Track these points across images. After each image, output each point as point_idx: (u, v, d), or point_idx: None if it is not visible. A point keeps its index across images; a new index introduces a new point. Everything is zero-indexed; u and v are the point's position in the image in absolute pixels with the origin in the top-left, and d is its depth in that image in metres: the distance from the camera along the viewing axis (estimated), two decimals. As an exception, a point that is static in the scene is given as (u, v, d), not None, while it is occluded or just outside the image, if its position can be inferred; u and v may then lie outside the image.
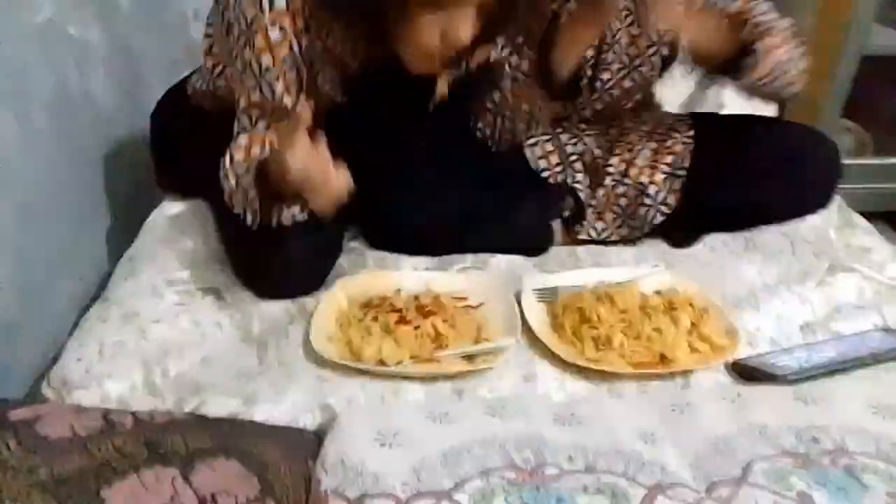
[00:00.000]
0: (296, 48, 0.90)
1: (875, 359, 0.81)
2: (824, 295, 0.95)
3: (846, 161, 1.84)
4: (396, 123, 1.00)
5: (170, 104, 1.15)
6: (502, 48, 1.04)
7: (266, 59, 0.89)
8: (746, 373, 0.84)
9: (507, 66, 1.05)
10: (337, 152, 0.91)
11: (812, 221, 1.09)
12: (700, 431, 0.70)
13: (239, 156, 0.91)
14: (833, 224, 1.09)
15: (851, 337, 0.88)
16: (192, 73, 1.13)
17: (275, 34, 0.88)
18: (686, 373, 0.85)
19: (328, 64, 0.94)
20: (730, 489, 0.61)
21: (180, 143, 1.12)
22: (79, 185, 1.11)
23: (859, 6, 1.58)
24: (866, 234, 1.07)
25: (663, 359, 0.86)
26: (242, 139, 0.93)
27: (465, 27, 0.83)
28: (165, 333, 0.87)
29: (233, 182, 0.91)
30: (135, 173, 1.21)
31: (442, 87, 0.96)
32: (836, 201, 1.13)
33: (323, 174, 0.81)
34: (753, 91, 1.02)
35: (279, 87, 0.91)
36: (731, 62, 0.97)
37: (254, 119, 0.93)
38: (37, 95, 0.99)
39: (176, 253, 1.01)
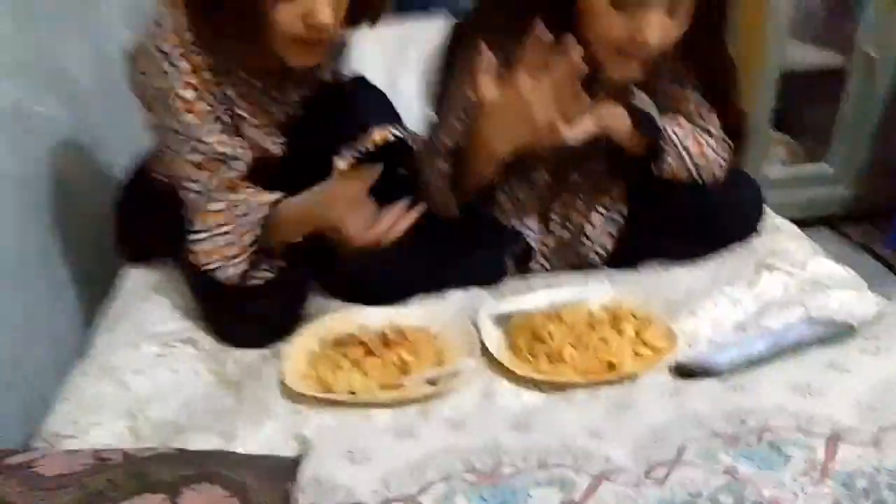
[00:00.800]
0: (211, 99, 0.96)
1: (798, 346, 0.89)
2: (753, 294, 1.04)
3: (780, 174, 1.99)
4: None
5: (133, 182, 1.21)
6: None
7: (189, 118, 0.95)
8: (686, 372, 0.91)
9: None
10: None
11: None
12: (641, 424, 0.77)
13: (208, 246, 0.98)
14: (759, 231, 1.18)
15: (778, 329, 0.96)
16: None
17: (188, 93, 0.94)
18: (632, 376, 0.92)
19: (245, 117, 1.02)
20: (666, 469, 0.68)
21: (145, 215, 1.17)
22: (47, 258, 1.16)
23: (773, 26, 1.72)
24: (789, 236, 1.18)
25: (610, 366, 0.94)
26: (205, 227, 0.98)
27: (323, 9, 0.88)
28: (145, 383, 0.93)
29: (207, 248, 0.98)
30: (101, 243, 1.27)
31: (340, 165, 1.03)
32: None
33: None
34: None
35: (212, 139, 0.97)
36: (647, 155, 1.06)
37: (205, 184, 0.98)
38: (7, 175, 1.05)
39: (150, 308, 1.07)
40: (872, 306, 0.98)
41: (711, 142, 1.09)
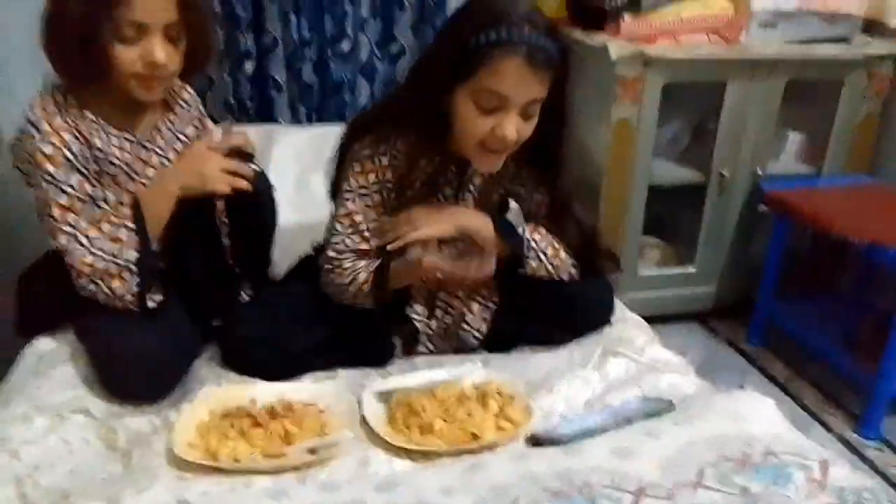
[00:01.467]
0: (69, 154, 1.12)
1: (627, 420, 1.05)
2: (600, 375, 1.21)
3: (654, 274, 2.22)
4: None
5: (35, 265, 1.29)
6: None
7: (50, 167, 1.11)
8: (536, 441, 1.05)
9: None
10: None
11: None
12: (488, 483, 0.89)
13: (87, 262, 1.12)
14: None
15: (617, 406, 1.11)
16: None
17: (48, 148, 1.11)
18: (491, 445, 1.05)
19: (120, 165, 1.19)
20: (497, 518, 0.80)
21: (46, 291, 1.25)
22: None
23: (641, 149, 1.99)
24: (633, 326, 1.36)
25: (474, 436, 1.06)
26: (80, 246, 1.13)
27: (158, 51, 1.09)
28: (36, 452, 0.98)
29: (102, 285, 1.12)
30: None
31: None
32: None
33: None
34: None
35: (73, 181, 1.13)
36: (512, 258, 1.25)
37: (75, 224, 1.13)
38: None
39: (45, 381, 1.12)
40: (693, 387, 1.16)
41: (563, 246, 1.27)
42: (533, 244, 1.24)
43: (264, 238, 1.37)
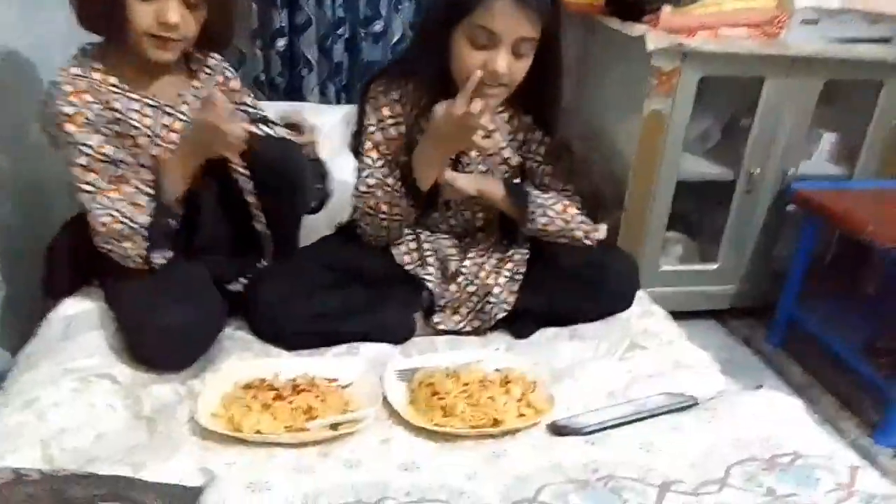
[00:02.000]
0: (90, 115, 1.14)
1: (651, 414, 1.04)
2: (625, 367, 1.20)
3: (676, 270, 2.20)
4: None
5: (64, 228, 1.30)
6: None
7: (71, 127, 1.14)
8: (558, 430, 1.04)
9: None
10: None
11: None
12: (512, 470, 0.89)
13: (105, 220, 1.14)
14: (634, 313, 1.35)
15: (641, 399, 1.11)
16: None
17: (69, 108, 1.14)
18: (514, 431, 1.04)
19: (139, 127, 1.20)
20: (523, 505, 0.80)
21: (73, 252, 1.27)
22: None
23: (670, 142, 1.96)
24: (660, 321, 1.35)
25: (496, 422, 1.06)
26: (99, 212, 1.15)
27: (173, 12, 1.11)
28: (63, 415, 0.99)
29: (124, 244, 1.15)
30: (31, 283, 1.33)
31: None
32: (640, 295, 1.40)
33: None
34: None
35: (92, 142, 1.14)
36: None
37: (94, 183, 1.15)
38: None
39: (72, 345, 1.13)
40: (719, 385, 1.15)
41: (575, 204, 1.31)
42: (538, 200, 1.29)
43: (292, 199, 1.35)
